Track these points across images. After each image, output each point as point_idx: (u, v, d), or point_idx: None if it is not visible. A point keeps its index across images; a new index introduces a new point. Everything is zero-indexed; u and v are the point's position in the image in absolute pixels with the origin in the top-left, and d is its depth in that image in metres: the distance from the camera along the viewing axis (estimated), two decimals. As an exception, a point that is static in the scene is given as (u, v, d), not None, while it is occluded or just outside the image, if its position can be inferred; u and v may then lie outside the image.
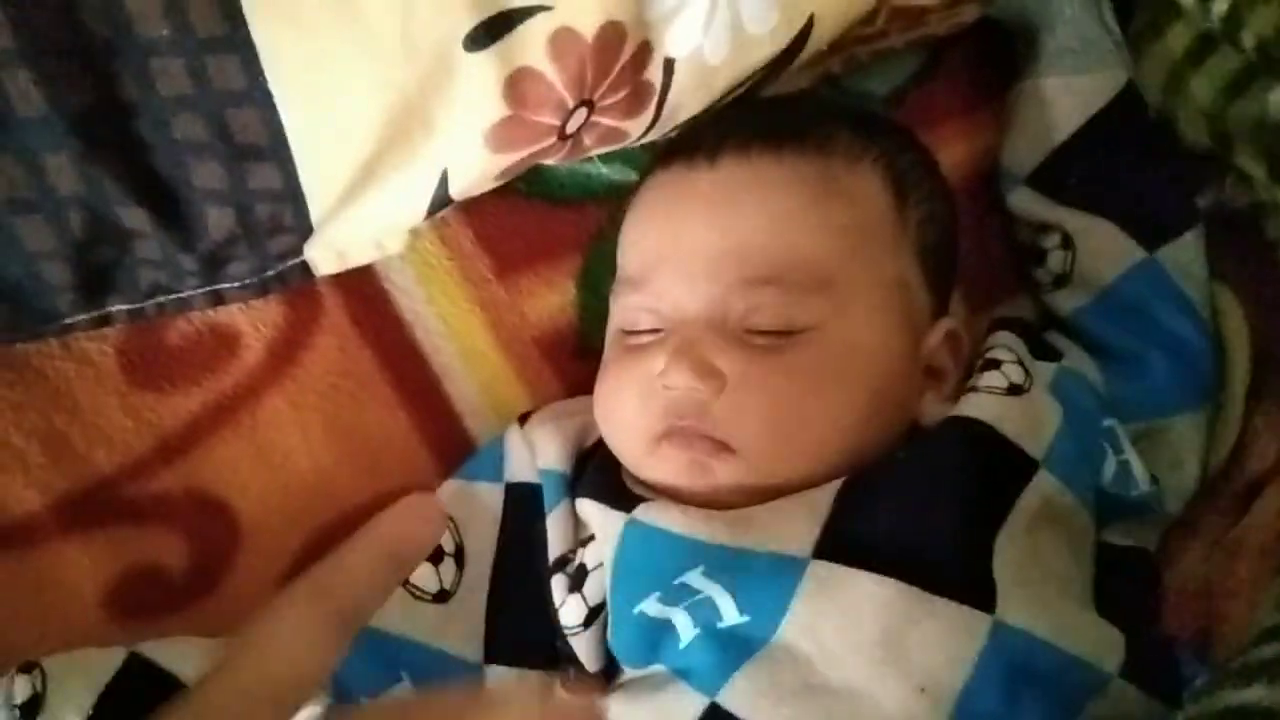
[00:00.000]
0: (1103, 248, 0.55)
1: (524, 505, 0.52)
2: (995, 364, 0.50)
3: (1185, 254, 0.55)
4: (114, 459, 0.50)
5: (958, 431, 0.46)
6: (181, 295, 0.49)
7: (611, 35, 0.43)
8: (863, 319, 0.47)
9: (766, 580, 0.43)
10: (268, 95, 0.42)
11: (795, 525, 0.44)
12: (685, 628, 0.44)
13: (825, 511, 0.44)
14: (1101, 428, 0.51)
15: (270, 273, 0.49)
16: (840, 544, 0.43)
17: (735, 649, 0.43)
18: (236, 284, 0.49)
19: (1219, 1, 0.49)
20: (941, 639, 0.41)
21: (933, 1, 0.52)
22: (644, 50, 0.45)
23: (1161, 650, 0.48)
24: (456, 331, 0.54)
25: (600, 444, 0.52)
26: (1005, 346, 0.51)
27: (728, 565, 0.44)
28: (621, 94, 0.46)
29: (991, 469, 0.45)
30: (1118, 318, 0.55)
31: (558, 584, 0.49)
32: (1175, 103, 0.56)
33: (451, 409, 0.54)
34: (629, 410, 0.48)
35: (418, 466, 0.54)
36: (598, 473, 0.51)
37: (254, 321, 0.52)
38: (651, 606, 0.45)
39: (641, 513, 0.47)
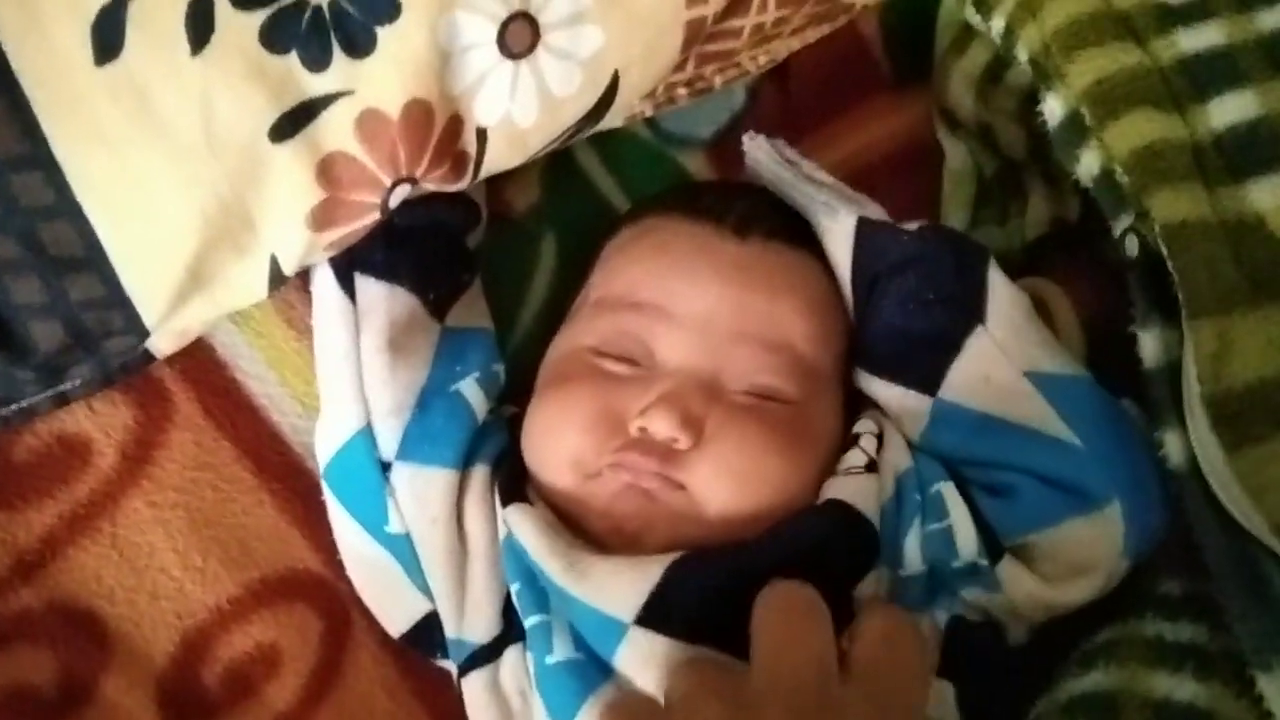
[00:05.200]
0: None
1: None
2: (856, 438, 0.51)
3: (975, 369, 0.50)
4: (-31, 583, 0.49)
5: (809, 514, 0.47)
6: (22, 405, 0.48)
7: (418, 112, 0.44)
8: (827, 407, 0.52)
9: (594, 632, 0.44)
10: (77, 208, 0.42)
11: (623, 588, 0.44)
12: (524, 658, 0.46)
13: (655, 579, 0.44)
14: (929, 494, 0.49)
15: (113, 366, 0.49)
16: (665, 612, 0.44)
17: (575, 683, 0.44)
18: (79, 382, 0.49)
19: (996, 19, 0.52)
20: None
21: (739, 43, 0.54)
22: (455, 123, 0.46)
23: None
24: (313, 409, 0.54)
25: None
26: (871, 417, 0.52)
27: (565, 603, 0.46)
28: (443, 167, 0.47)
29: (844, 545, 0.46)
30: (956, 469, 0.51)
31: None
32: (986, 113, 0.60)
33: (318, 485, 0.54)
34: (580, 434, 0.48)
35: (290, 548, 0.53)
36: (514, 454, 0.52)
37: (103, 427, 0.51)
38: (514, 592, 0.48)
39: (510, 513, 0.48)
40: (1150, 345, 0.45)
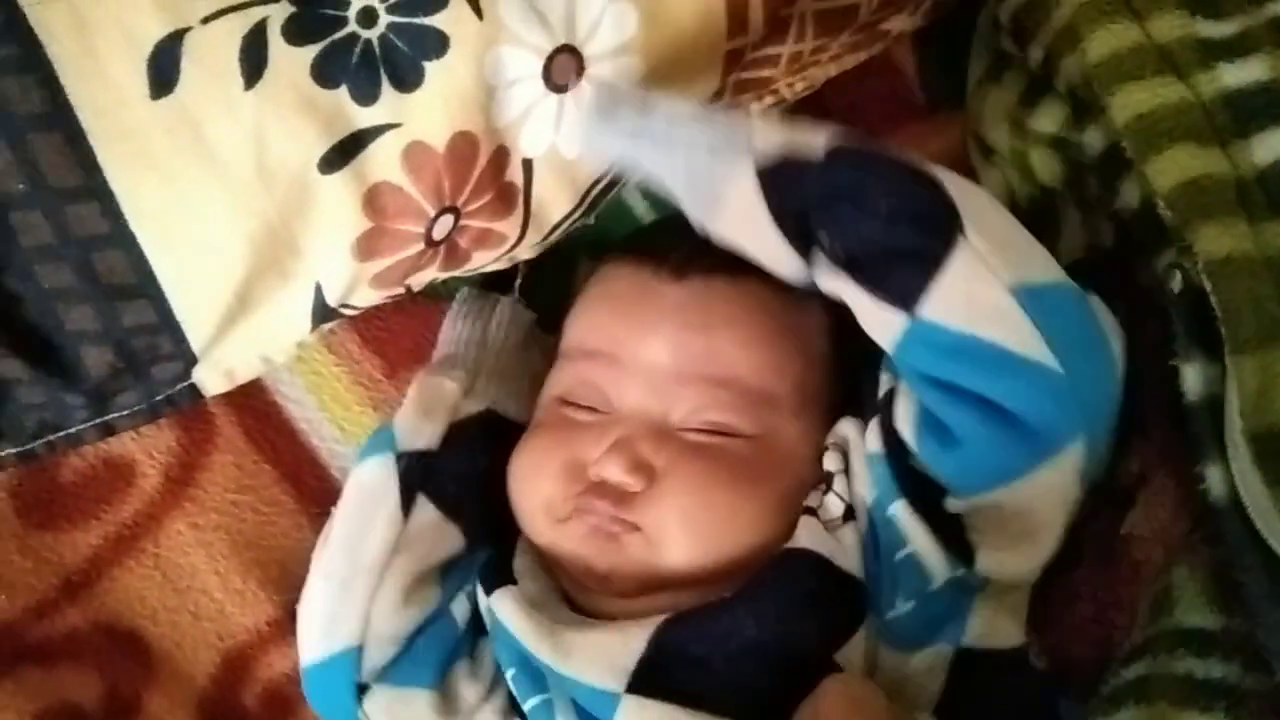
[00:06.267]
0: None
1: None
2: (829, 478, 0.49)
3: (959, 287, 0.43)
4: (16, 603, 0.50)
5: (793, 569, 0.47)
6: (70, 431, 0.49)
7: (463, 145, 0.45)
8: (792, 434, 0.50)
9: (590, 703, 0.45)
10: (131, 237, 0.43)
11: (610, 659, 0.45)
12: None
13: (641, 648, 0.45)
14: (887, 519, 0.46)
15: (159, 398, 0.50)
16: (655, 679, 0.44)
17: None
18: (126, 411, 0.50)
19: (1035, 49, 0.52)
20: None
21: (776, 71, 0.55)
22: (500, 154, 0.47)
23: None
24: (352, 434, 0.55)
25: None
26: (835, 447, 0.50)
27: (557, 681, 0.46)
28: (486, 197, 0.48)
29: (829, 605, 0.46)
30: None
31: None
32: (1021, 142, 0.60)
33: (355, 511, 0.55)
34: (548, 481, 0.49)
35: (328, 572, 0.54)
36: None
37: (148, 449, 0.52)
38: (510, 679, 0.48)
39: (495, 600, 0.48)
40: (1192, 378, 0.45)
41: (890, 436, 0.47)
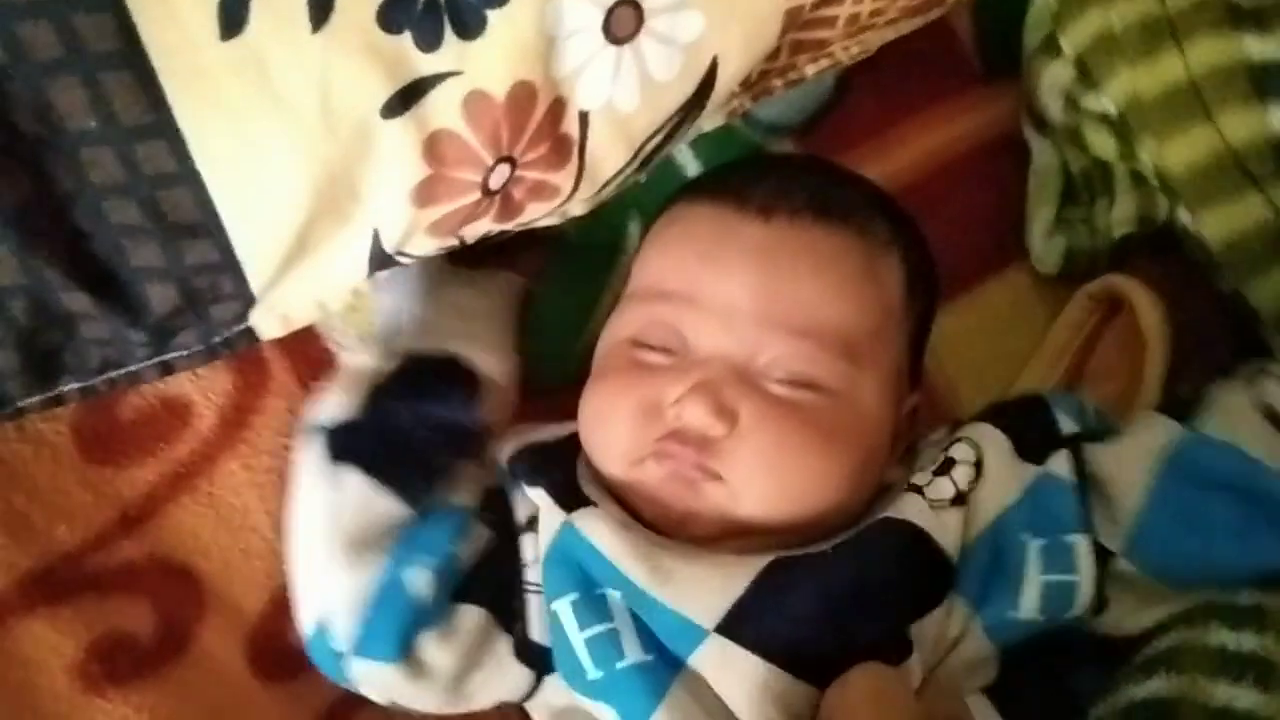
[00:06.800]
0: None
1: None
2: (950, 464, 0.49)
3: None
4: (75, 533, 0.51)
5: (891, 537, 0.47)
6: (132, 369, 0.50)
7: (522, 94, 0.45)
8: (872, 392, 0.50)
9: (671, 633, 0.45)
10: (197, 176, 0.44)
11: (708, 595, 0.45)
12: (588, 662, 0.46)
13: (740, 589, 0.45)
14: (1062, 542, 0.48)
15: (217, 339, 0.51)
16: (745, 624, 0.44)
17: (649, 684, 0.44)
18: (185, 352, 0.50)
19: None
20: None
21: (833, 33, 0.55)
22: (558, 105, 0.47)
23: None
24: (403, 383, 0.56)
25: (559, 444, 0.53)
26: (970, 442, 0.50)
27: (641, 605, 0.46)
28: (542, 149, 0.48)
29: (918, 578, 0.47)
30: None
31: (528, 542, 0.51)
32: (1075, 117, 0.59)
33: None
34: (623, 423, 0.49)
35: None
36: (553, 467, 0.52)
37: (204, 390, 0.53)
38: (564, 609, 0.47)
39: (579, 518, 0.48)
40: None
41: (1081, 476, 0.49)
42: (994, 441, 0.50)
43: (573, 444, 0.53)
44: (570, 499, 0.49)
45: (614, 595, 0.47)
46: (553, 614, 0.48)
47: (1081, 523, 0.48)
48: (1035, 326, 0.61)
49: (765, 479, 0.47)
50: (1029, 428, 0.51)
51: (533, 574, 0.50)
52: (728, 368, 0.48)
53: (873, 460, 0.50)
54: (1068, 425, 0.51)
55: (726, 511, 0.47)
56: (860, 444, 0.49)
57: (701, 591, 0.45)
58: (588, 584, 0.47)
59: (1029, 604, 0.47)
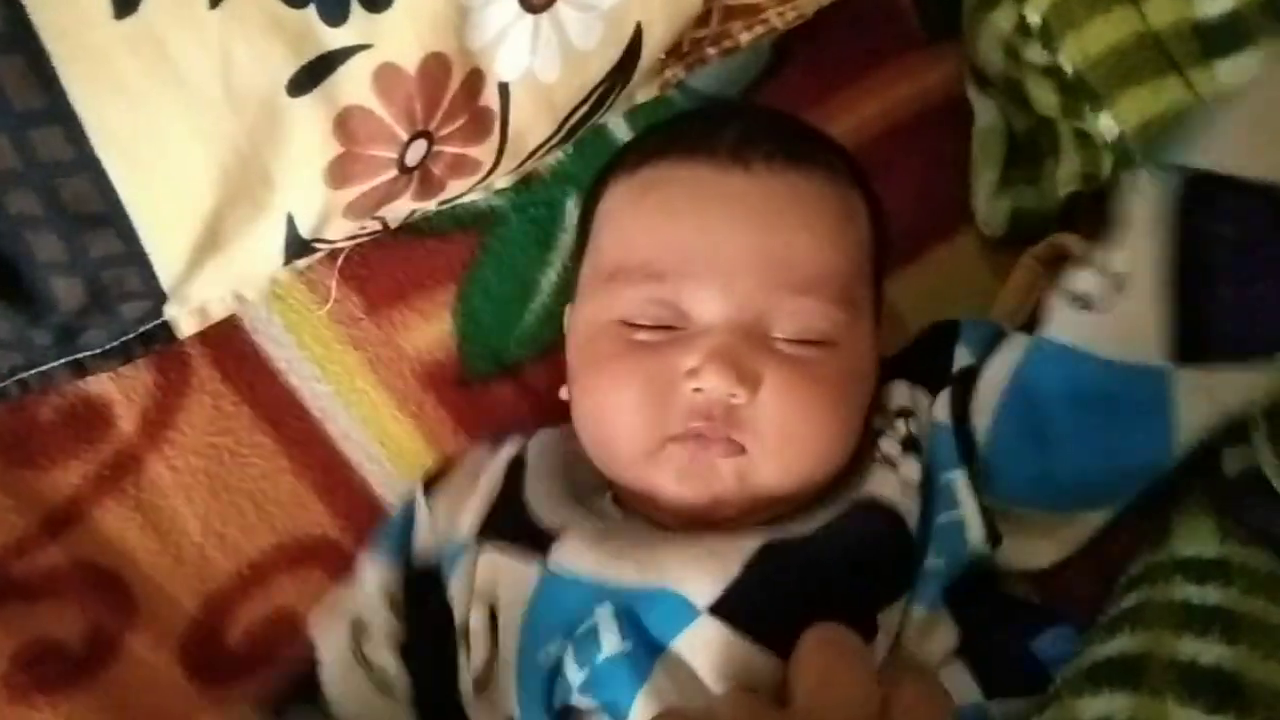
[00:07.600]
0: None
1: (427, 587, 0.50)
2: (914, 443, 0.48)
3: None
4: (-2, 540, 0.49)
5: (874, 522, 0.46)
6: (42, 370, 0.48)
7: (435, 66, 0.44)
8: (866, 338, 0.49)
9: (659, 615, 0.43)
10: (96, 163, 0.42)
11: (702, 578, 0.43)
12: (572, 669, 0.43)
13: (734, 571, 0.43)
14: (942, 481, 0.47)
15: (130, 336, 0.49)
16: (737, 606, 0.42)
17: (629, 673, 0.42)
18: (96, 351, 0.49)
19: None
20: None
21: (766, -2, 0.53)
22: (474, 77, 0.46)
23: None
24: (332, 374, 0.54)
25: (503, 490, 0.50)
26: (910, 413, 0.49)
27: (632, 601, 0.44)
28: (459, 122, 0.46)
29: (896, 564, 0.45)
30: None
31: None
32: (1017, 70, 0.58)
33: (336, 451, 0.54)
34: (634, 408, 0.46)
35: (308, 514, 0.54)
36: (504, 516, 0.49)
37: (125, 390, 0.52)
38: (552, 650, 0.44)
39: (555, 560, 0.46)
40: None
41: (960, 411, 0.47)
42: (924, 409, 0.49)
43: (513, 477, 0.50)
44: (535, 541, 0.47)
45: (598, 612, 0.44)
46: (540, 659, 0.45)
47: (959, 459, 0.47)
48: (986, 291, 0.60)
49: (788, 445, 0.45)
50: (930, 373, 0.50)
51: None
52: (732, 329, 0.46)
53: (864, 408, 0.49)
54: (964, 358, 0.49)
55: (745, 486, 0.45)
56: (863, 397, 0.48)
57: (696, 574, 0.43)
58: (570, 625, 0.44)
59: (930, 551, 0.46)
